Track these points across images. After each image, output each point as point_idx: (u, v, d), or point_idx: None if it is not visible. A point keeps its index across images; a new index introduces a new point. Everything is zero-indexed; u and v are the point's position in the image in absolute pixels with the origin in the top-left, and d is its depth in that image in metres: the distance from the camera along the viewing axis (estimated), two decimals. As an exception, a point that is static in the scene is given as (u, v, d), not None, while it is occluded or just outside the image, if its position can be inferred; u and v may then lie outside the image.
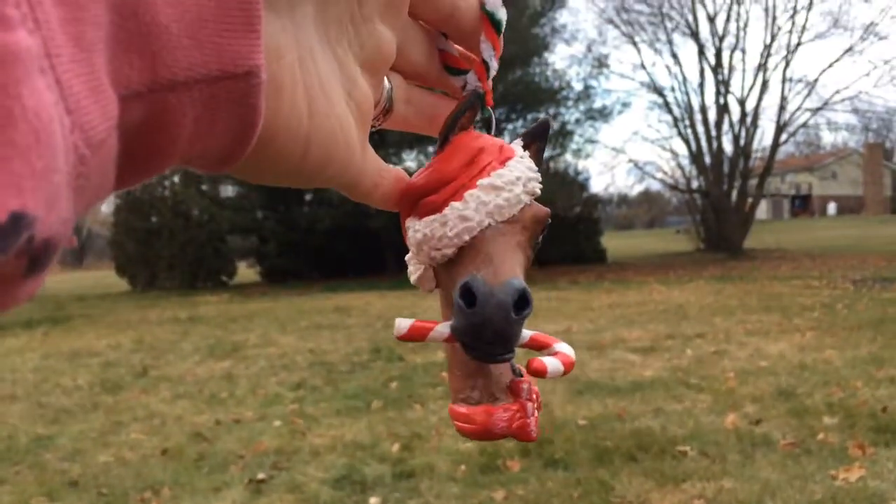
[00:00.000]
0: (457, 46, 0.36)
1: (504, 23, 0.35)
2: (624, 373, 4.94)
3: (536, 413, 0.39)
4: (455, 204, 0.35)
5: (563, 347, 0.39)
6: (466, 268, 0.35)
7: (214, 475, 3.33)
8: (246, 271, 18.49)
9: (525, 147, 0.39)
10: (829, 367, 4.75)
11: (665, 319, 7.44)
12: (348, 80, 0.30)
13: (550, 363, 0.37)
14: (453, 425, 0.39)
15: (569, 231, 18.13)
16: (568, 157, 19.01)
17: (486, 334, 0.33)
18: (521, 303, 0.33)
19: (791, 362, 4.97)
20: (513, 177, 0.36)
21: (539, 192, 0.37)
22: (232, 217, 16.39)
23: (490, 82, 0.38)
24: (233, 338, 7.76)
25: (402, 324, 0.36)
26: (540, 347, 0.39)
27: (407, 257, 0.40)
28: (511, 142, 0.39)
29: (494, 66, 0.36)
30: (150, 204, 17.72)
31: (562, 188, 17.75)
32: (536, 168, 0.38)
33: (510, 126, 18.98)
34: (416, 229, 0.36)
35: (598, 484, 2.96)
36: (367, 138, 0.32)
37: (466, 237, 0.35)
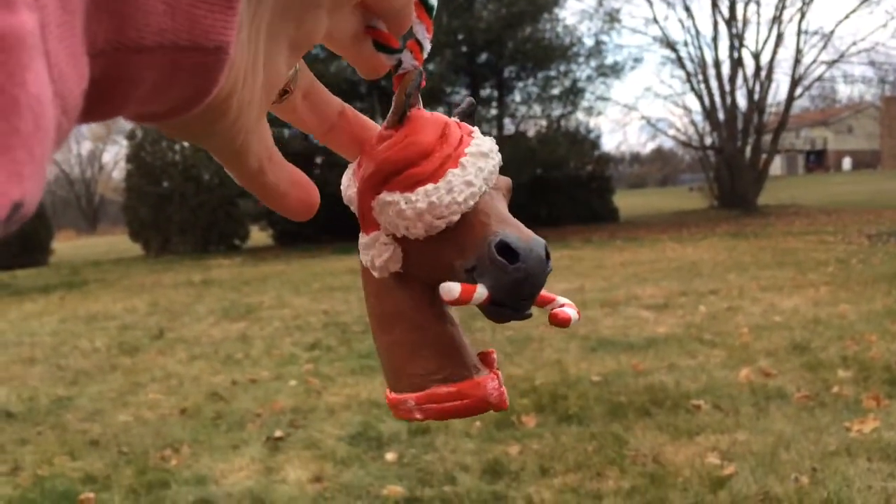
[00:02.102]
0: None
1: (434, 7, 0.35)
2: (637, 329, 4.95)
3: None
4: (455, 171, 0.35)
5: (565, 300, 0.39)
6: (483, 229, 0.35)
7: (232, 433, 3.37)
8: (258, 234, 18.55)
9: None
10: (844, 322, 4.73)
11: (678, 276, 7.42)
12: (274, 53, 0.29)
13: (571, 312, 0.38)
14: (420, 415, 0.38)
15: (581, 190, 18.04)
16: (579, 115, 18.81)
17: (526, 289, 0.34)
18: (548, 255, 0.34)
19: (805, 317, 4.96)
20: (490, 145, 0.37)
21: (501, 162, 0.38)
22: (243, 180, 16.35)
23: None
24: (247, 300, 7.81)
25: (455, 288, 0.35)
26: (544, 303, 0.39)
27: (366, 241, 0.38)
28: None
29: (427, 46, 0.36)
30: (161, 169, 17.76)
31: (573, 146, 17.61)
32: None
33: (520, 84, 18.80)
34: (411, 201, 0.35)
35: (613, 438, 2.99)
36: (264, 115, 0.31)
37: (472, 202, 0.35)
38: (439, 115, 0.38)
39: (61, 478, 2.96)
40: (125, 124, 22.02)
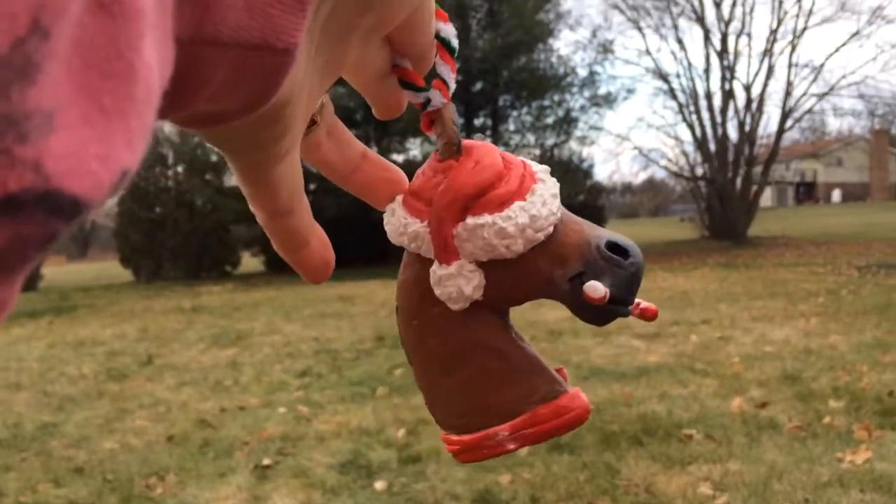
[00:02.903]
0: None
1: (457, 49, 0.36)
2: (629, 358, 4.93)
3: None
4: (538, 185, 0.36)
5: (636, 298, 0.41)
6: (579, 235, 0.36)
7: (220, 461, 3.33)
8: (250, 261, 18.51)
9: None
10: (835, 352, 4.73)
11: (670, 306, 7.42)
12: (313, 74, 0.29)
13: (654, 304, 0.39)
14: (518, 440, 0.37)
15: (573, 219, 18.06)
16: (573, 144, 18.93)
17: (638, 282, 0.36)
18: None
19: (796, 347, 4.96)
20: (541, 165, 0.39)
21: None
22: (236, 206, 16.33)
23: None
24: (237, 326, 7.77)
25: (599, 286, 0.35)
26: None
27: (444, 273, 0.37)
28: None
29: (452, 85, 0.37)
30: (154, 194, 17.73)
31: (566, 175, 17.68)
32: None
33: (514, 113, 18.95)
34: (510, 217, 0.35)
35: (605, 467, 2.96)
36: (299, 141, 0.31)
37: (559, 214, 0.36)
38: (486, 141, 0.39)
39: (45, 505, 2.92)
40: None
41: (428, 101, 0.36)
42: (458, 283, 0.37)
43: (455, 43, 0.36)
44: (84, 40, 0.14)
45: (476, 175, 0.36)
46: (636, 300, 0.38)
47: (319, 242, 0.35)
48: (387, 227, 0.39)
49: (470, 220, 0.36)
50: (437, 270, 0.37)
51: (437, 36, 0.35)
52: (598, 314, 0.36)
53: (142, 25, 0.15)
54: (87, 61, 0.14)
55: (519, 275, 0.37)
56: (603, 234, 0.36)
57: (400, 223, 0.38)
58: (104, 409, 4.39)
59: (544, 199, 0.36)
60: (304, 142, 0.34)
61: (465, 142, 0.37)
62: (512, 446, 0.38)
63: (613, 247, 0.35)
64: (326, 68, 0.29)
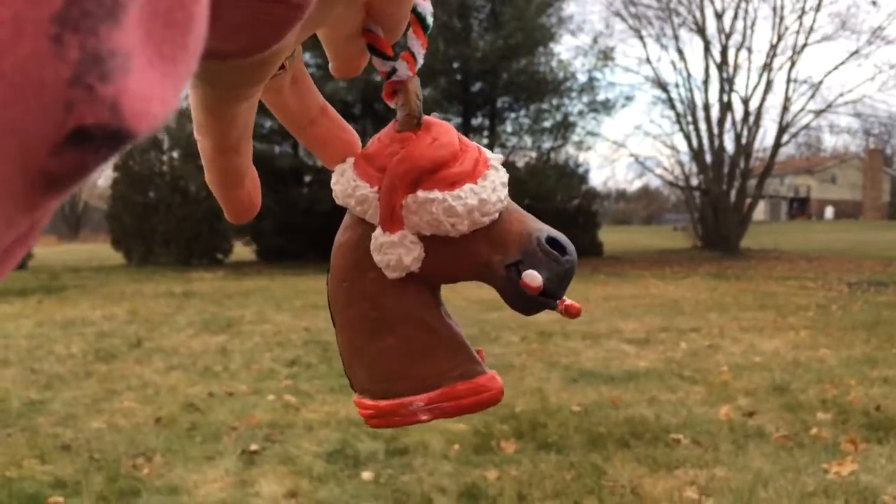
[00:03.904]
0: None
1: (431, 26, 0.37)
2: (618, 363, 4.95)
3: None
4: (491, 172, 0.37)
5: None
6: (521, 226, 0.37)
7: (207, 444, 3.33)
8: (241, 250, 18.47)
9: None
10: (823, 366, 4.76)
11: (660, 313, 7.45)
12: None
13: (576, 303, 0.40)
14: (432, 412, 0.38)
15: (566, 223, 18.11)
16: (569, 148, 18.96)
17: (570, 279, 0.37)
18: None
19: (785, 359, 4.99)
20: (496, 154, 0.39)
21: None
22: (230, 194, 16.28)
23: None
24: (227, 313, 7.75)
25: (538, 277, 0.36)
26: None
27: (386, 241, 0.37)
28: None
29: (420, 60, 0.37)
30: (148, 178, 17.66)
31: (561, 180, 17.73)
32: None
33: (512, 115, 18.96)
34: (460, 197, 0.36)
35: (591, 468, 2.97)
36: (264, 83, 0.31)
37: (506, 203, 0.37)
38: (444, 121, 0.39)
39: (30, 480, 2.90)
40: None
41: (394, 70, 0.36)
42: (398, 252, 0.37)
43: (430, 20, 0.36)
44: None
45: (433, 150, 0.37)
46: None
47: (252, 185, 0.35)
48: (334, 187, 0.39)
49: (421, 194, 0.36)
50: (378, 237, 0.38)
51: (414, 10, 0.35)
52: (528, 303, 0.37)
53: None
54: (156, 9, 0.15)
55: (458, 254, 0.37)
56: (544, 228, 0.37)
57: (349, 185, 0.38)
58: (92, 389, 4.37)
59: (495, 185, 0.37)
60: (267, 84, 0.35)
61: (426, 118, 0.38)
62: (425, 417, 0.38)
63: (553, 242, 0.36)
64: (308, 22, 0.30)
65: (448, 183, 0.36)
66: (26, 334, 6.45)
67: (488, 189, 0.36)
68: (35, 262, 17.07)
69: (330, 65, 0.37)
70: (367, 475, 2.94)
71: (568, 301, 0.39)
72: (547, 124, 18.56)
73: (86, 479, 2.92)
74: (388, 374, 0.39)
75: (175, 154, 17.89)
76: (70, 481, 2.90)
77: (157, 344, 5.93)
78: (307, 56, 0.38)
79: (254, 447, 3.26)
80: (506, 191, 0.37)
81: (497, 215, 0.37)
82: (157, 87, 0.15)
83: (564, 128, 18.50)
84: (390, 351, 0.39)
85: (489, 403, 0.39)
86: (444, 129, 0.37)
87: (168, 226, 16.97)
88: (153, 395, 4.21)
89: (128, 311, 8.06)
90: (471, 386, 0.38)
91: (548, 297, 0.37)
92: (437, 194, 0.36)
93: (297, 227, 16.01)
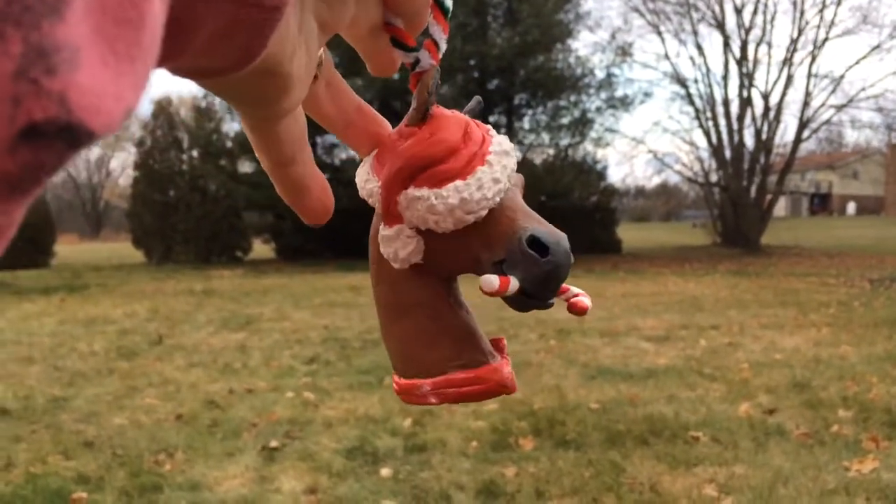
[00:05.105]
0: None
1: (450, 10, 0.36)
2: (637, 360, 4.93)
3: None
4: (483, 168, 0.36)
5: (578, 290, 0.41)
6: (511, 224, 0.36)
7: (228, 441, 3.36)
8: (261, 248, 18.56)
9: None
10: (845, 363, 4.72)
11: (680, 310, 7.41)
12: (312, 31, 0.30)
13: (587, 301, 0.40)
14: (438, 396, 0.39)
15: (585, 220, 18.06)
16: (587, 145, 18.88)
17: (554, 281, 0.36)
18: (570, 249, 0.37)
19: (806, 356, 4.95)
20: (509, 143, 0.39)
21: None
22: (249, 193, 16.40)
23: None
24: (247, 311, 7.81)
25: (494, 280, 0.36)
26: (559, 294, 0.40)
27: (389, 233, 0.38)
28: None
29: (443, 46, 0.37)
30: (168, 177, 17.81)
31: (579, 176, 17.67)
32: None
33: (530, 112, 18.91)
34: (442, 196, 0.36)
35: (610, 465, 2.97)
36: (302, 98, 0.32)
37: (499, 198, 0.37)
38: (459, 113, 0.39)
39: (54, 476, 2.95)
40: (134, 131, 22.12)
41: (417, 61, 0.36)
42: (395, 245, 0.38)
43: (449, 3, 0.36)
44: None
45: (428, 147, 0.37)
46: (576, 291, 0.40)
47: (320, 189, 0.36)
48: (356, 180, 0.40)
49: (410, 191, 0.37)
50: (381, 230, 0.39)
51: None
52: (514, 303, 0.37)
53: None
54: (104, 6, 0.15)
55: (453, 249, 0.38)
56: (530, 227, 0.36)
57: (363, 178, 0.40)
58: (114, 386, 4.42)
59: (482, 183, 0.36)
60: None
61: (435, 109, 0.38)
62: (433, 400, 0.39)
63: (534, 242, 0.36)
64: (325, 26, 0.30)
65: (437, 180, 0.36)
66: (50, 332, 6.54)
67: (472, 188, 0.36)
68: (58, 261, 17.27)
69: (367, 66, 0.37)
70: (385, 472, 2.96)
71: (576, 296, 0.40)
72: (565, 121, 18.49)
73: (108, 474, 2.96)
74: (405, 355, 0.40)
75: (195, 153, 18.02)
76: (93, 477, 2.94)
77: (177, 341, 5.98)
78: None
79: (274, 444, 3.28)
80: (498, 186, 0.37)
81: (485, 213, 0.36)
82: (110, 83, 0.15)
83: (582, 124, 18.42)
84: (406, 334, 0.40)
85: (486, 395, 0.39)
86: (445, 123, 0.37)
87: (188, 224, 17.11)
88: (174, 392, 4.26)
89: (149, 308, 8.14)
90: (469, 376, 0.39)
91: (531, 299, 0.36)
92: (423, 192, 0.37)
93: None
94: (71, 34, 0.14)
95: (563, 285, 0.40)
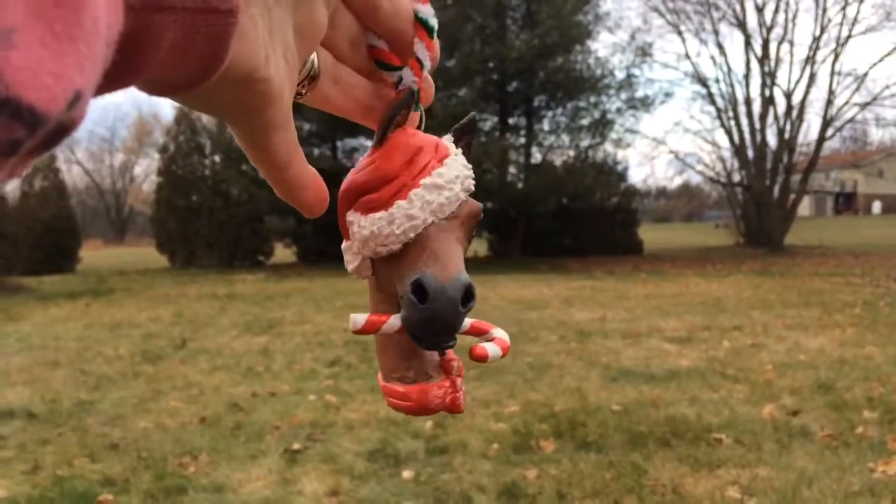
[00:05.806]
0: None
1: (436, 28, 0.37)
2: (659, 361, 4.91)
3: (464, 387, 0.41)
4: (401, 203, 0.37)
5: (500, 333, 0.42)
6: (414, 263, 0.37)
7: (251, 444, 3.39)
8: (282, 252, 18.68)
9: (455, 142, 0.41)
10: (870, 363, 4.66)
11: (702, 311, 7.37)
12: (286, 39, 0.30)
13: (491, 349, 0.40)
14: (386, 401, 0.41)
15: (606, 221, 18.01)
16: (608, 146, 18.80)
17: (436, 326, 0.36)
18: (467, 297, 0.36)
19: (831, 357, 4.90)
20: (452, 175, 0.38)
21: (473, 188, 0.39)
22: (270, 198, 16.45)
23: (426, 79, 0.39)
24: (269, 315, 7.86)
25: (359, 319, 0.38)
26: (479, 333, 0.42)
27: (343, 246, 0.40)
28: (442, 137, 0.41)
29: (428, 64, 0.38)
30: (191, 183, 17.99)
31: (600, 177, 17.60)
32: (469, 164, 0.40)
33: (549, 114, 18.87)
34: (361, 225, 0.38)
35: (632, 467, 2.96)
36: (290, 106, 0.33)
37: (412, 234, 0.37)
38: (418, 138, 0.39)
39: (80, 479, 2.99)
40: (158, 137, 22.32)
41: (400, 79, 0.38)
42: (346, 258, 0.40)
43: (433, 22, 0.36)
44: None
45: (367, 174, 0.38)
46: (495, 335, 0.41)
47: (315, 184, 0.37)
48: None
49: (349, 214, 0.39)
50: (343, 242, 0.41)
51: (417, 16, 0.36)
52: (413, 339, 0.38)
53: None
54: None
55: (386, 273, 0.39)
56: (425, 271, 0.36)
57: None
58: (139, 390, 4.48)
59: (393, 218, 0.37)
60: (312, 97, 0.37)
61: (394, 133, 0.38)
62: (392, 403, 0.41)
63: (418, 288, 0.35)
64: (300, 33, 0.31)
65: (367, 208, 0.38)
66: (75, 336, 6.62)
67: (383, 222, 0.37)
68: (83, 266, 17.48)
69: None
70: (407, 474, 2.97)
71: (491, 340, 0.41)
72: (585, 122, 18.44)
73: (134, 477, 3.00)
74: (378, 356, 0.42)
75: (217, 158, 18.17)
76: (119, 479, 2.98)
77: (201, 345, 6.04)
78: None
79: (296, 446, 3.31)
80: (413, 223, 0.36)
81: (397, 247, 0.37)
82: (49, 62, 0.16)
83: (602, 125, 18.34)
84: (379, 339, 0.42)
85: (415, 412, 0.40)
86: (391, 151, 0.38)
87: (210, 229, 17.27)
88: (198, 395, 4.30)
89: (173, 313, 8.22)
90: (398, 391, 0.40)
91: (416, 339, 0.37)
92: (354, 217, 0.38)
93: (337, 228, 16.07)
94: (5, 17, 0.15)
95: (483, 325, 0.42)
